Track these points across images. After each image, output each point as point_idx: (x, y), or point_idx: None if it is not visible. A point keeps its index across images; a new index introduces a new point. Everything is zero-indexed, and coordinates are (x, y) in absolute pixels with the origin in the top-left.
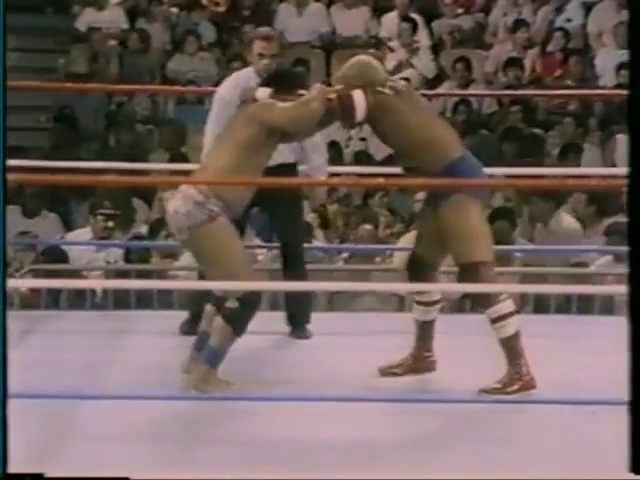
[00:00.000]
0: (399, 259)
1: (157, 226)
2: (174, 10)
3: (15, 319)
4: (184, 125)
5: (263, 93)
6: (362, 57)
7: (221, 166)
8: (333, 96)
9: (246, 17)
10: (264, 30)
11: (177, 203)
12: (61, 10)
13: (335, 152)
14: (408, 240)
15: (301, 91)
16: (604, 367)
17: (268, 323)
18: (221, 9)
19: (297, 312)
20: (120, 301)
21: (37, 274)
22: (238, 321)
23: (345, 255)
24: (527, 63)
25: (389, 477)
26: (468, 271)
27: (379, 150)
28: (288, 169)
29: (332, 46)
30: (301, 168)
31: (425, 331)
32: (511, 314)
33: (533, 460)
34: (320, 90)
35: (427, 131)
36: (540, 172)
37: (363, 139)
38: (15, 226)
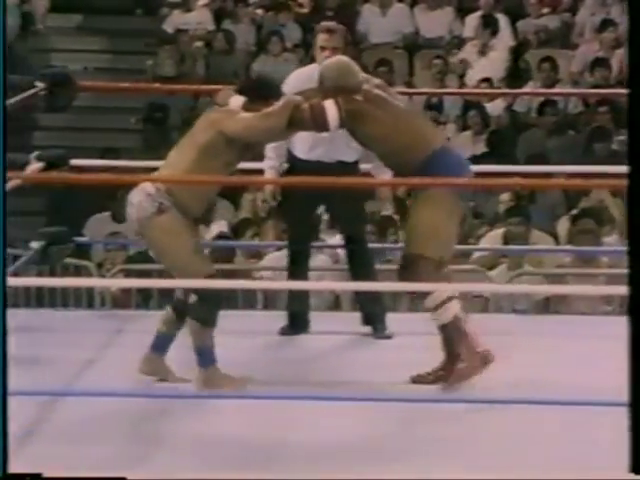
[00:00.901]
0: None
1: (242, 226)
2: (259, 11)
3: (106, 318)
4: None
5: (236, 101)
6: (340, 59)
7: (178, 166)
8: (305, 106)
9: (330, 18)
10: (326, 23)
11: (132, 195)
12: (150, 12)
13: None
14: (492, 239)
15: (276, 102)
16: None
17: (348, 323)
18: (305, 10)
19: (373, 311)
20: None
21: (128, 274)
22: (203, 314)
23: None
24: (614, 63)
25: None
26: (409, 262)
27: None
28: (348, 167)
29: (415, 47)
30: (366, 166)
31: (448, 335)
32: (449, 299)
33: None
34: (286, 103)
35: (404, 134)
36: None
37: None
38: (106, 231)
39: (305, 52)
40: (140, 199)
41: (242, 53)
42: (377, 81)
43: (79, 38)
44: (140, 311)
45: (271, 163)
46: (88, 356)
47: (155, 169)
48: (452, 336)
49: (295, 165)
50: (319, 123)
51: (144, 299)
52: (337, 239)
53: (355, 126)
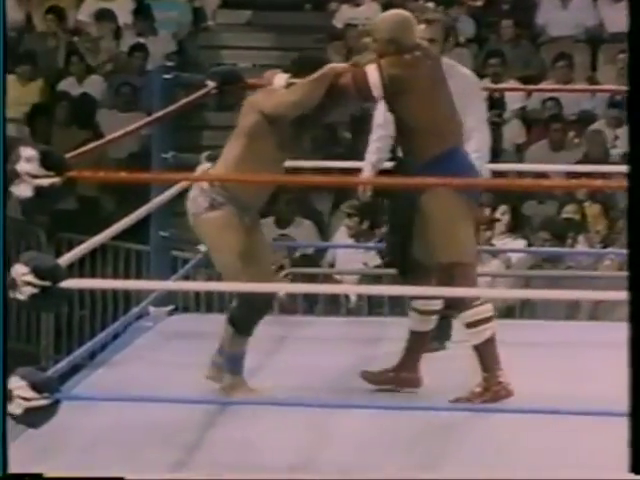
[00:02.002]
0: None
1: None
2: (430, 5)
3: (273, 324)
4: None
5: (280, 79)
6: (400, 12)
7: (228, 156)
8: (346, 74)
9: (505, 11)
10: (425, 14)
11: (191, 191)
12: (319, 7)
13: None
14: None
15: None
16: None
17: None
18: (479, 3)
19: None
20: (374, 307)
21: (295, 279)
22: (239, 321)
23: (609, 261)
24: None
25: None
26: (446, 272)
27: None
28: None
29: (599, 41)
30: None
31: (413, 343)
32: (488, 319)
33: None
34: (325, 70)
35: (431, 120)
36: None
37: None
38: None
39: (479, 47)
40: (195, 194)
41: None
42: (432, 52)
43: (248, 34)
44: (306, 317)
45: (369, 157)
46: (253, 363)
47: (324, 169)
48: (483, 357)
49: (399, 165)
50: (362, 90)
51: (310, 305)
52: (513, 243)
53: (394, 93)
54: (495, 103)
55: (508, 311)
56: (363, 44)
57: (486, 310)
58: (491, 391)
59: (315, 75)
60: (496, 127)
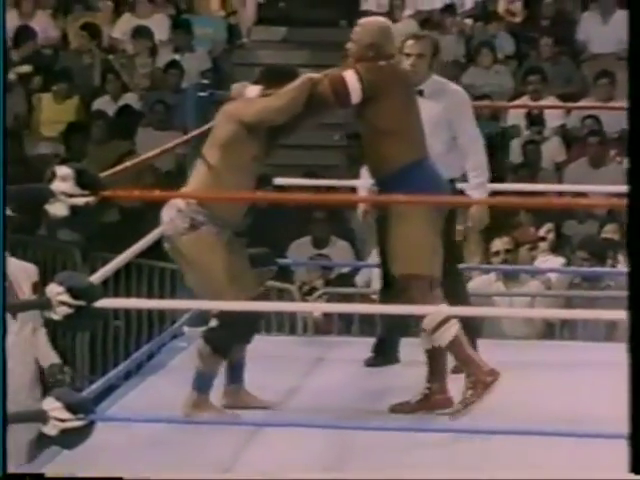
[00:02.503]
0: None
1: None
2: (468, 22)
3: (308, 345)
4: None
5: (252, 91)
6: (381, 19)
7: (201, 168)
8: (324, 80)
9: (545, 27)
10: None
11: (164, 212)
12: (354, 24)
13: None
14: None
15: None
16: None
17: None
18: (517, 19)
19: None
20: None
21: (330, 299)
22: (217, 341)
23: None
24: None
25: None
26: (401, 284)
27: None
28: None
29: None
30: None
31: (431, 360)
32: (448, 319)
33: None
34: (304, 79)
35: (399, 130)
36: None
37: None
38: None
39: (519, 64)
40: (171, 215)
41: (450, 65)
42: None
43: (284, 51)
44: (342, 337)
45: (362, 182)
46: (288, 384)
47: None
48: (455, 356)
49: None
50: (340, 95)
51: (346, 325)
52: (554, 261)
53: (370, 98)
54: (534, 120)
55: (549, 331)
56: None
57: (442, 313)
58: (433, 400)
59: (294, 84)
60: (535, 145)
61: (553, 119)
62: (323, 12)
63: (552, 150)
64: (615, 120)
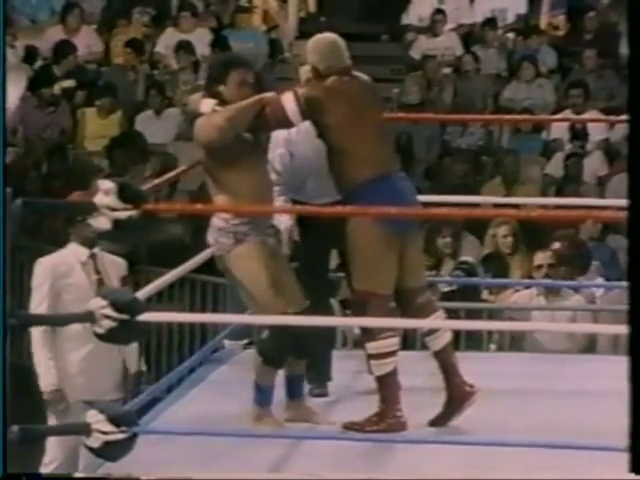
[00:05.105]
0: None
1: (488, 262)
2: (510, 35)
3: (347, 359)
4: (519, 155)
5: (207, 105)
6: (325, 37)
7: (210, 184)
8: (270, 103)
9: (588, 41)
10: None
11: (209, 235)
12: (396, 38)
13: None
14: None
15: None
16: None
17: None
18: (560, 33)
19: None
20: None
21: None
22: (269, 352)
23: None
24: None
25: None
26: (359, 298)
27: None
28: None
29: None
30: None
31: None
32: (392, 353)
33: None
34: (255, 99)
35: (355, 140)
36: None
37: None
38: None
39: (562, 77)
40: (215, 236)
41: (492, 79)
42: (366, 79)
43: None
44: None
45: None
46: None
47: None
48: (383, 389)
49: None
50: (279, 119)
51: None
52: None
53: (312, 117)
54: (577, 134)
55: (589, 346)
56: (443, 75)
57: (390, 344)
58: (385, 422)
59: (246, 102)
60: (578, 158)
61: (596, 133)
62: (364, 26)
63: (594, 164)
64: None
